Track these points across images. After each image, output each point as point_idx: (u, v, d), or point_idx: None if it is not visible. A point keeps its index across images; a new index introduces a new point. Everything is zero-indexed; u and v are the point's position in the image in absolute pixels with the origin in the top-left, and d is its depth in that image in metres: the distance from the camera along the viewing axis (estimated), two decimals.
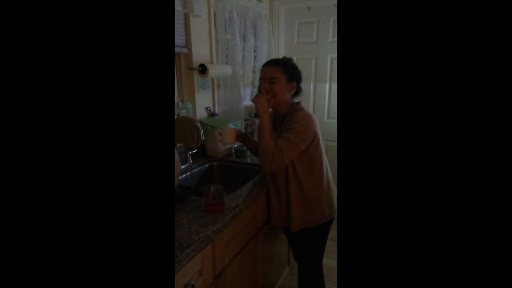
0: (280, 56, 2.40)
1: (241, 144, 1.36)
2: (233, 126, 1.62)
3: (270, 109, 1.16)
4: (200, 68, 1.53)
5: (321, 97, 2.30)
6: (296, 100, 1.18)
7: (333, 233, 2.41)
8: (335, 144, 2.31)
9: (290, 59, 1.16)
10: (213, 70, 1.54)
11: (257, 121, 1.87)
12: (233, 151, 1.70)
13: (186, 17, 1.50)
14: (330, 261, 1.91)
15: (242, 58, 1.96)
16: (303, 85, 1.18)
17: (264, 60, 2.23)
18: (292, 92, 1.14)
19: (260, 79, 1.13)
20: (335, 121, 2.24)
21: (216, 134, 1.27)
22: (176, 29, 1.44)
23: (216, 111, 1.77)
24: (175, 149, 1.08)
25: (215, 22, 1.67)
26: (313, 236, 1.17)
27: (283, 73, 1.09)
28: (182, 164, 1.34)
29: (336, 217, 1.15)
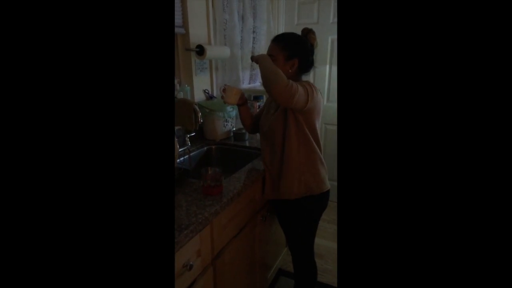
0: None
1: (241, 127, 1.29)
2: (231, 109, 1.60)
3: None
4: (197, 49, 1.49)
5: (321, 80, 2.27)
6: (304, 78, 1.14)
7: (330, 215, 2.42)
8: (335, 127, 2.30)
9: (304, 31, 1.12)
10: (210, 52, 1.51)
11: (255, 104, 1.85)
12: (232, 134, 1.69)
13: None
14: (329, 243, 1.95)
15: (241, 39, 1.92)
16: None
17: (263, 41, 2.18)
18: (292, 70, 1.08)
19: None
20: (335, 104, 2.22)
21: (220, 91, 1.24)
22: None
23: (214, 94, 1.75)
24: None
25: (212, 1, 1.62)
26: (300, 211, 1.15)
27: (281, 49, 1.07)
28: (180, 147, 1.33)
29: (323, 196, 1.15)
